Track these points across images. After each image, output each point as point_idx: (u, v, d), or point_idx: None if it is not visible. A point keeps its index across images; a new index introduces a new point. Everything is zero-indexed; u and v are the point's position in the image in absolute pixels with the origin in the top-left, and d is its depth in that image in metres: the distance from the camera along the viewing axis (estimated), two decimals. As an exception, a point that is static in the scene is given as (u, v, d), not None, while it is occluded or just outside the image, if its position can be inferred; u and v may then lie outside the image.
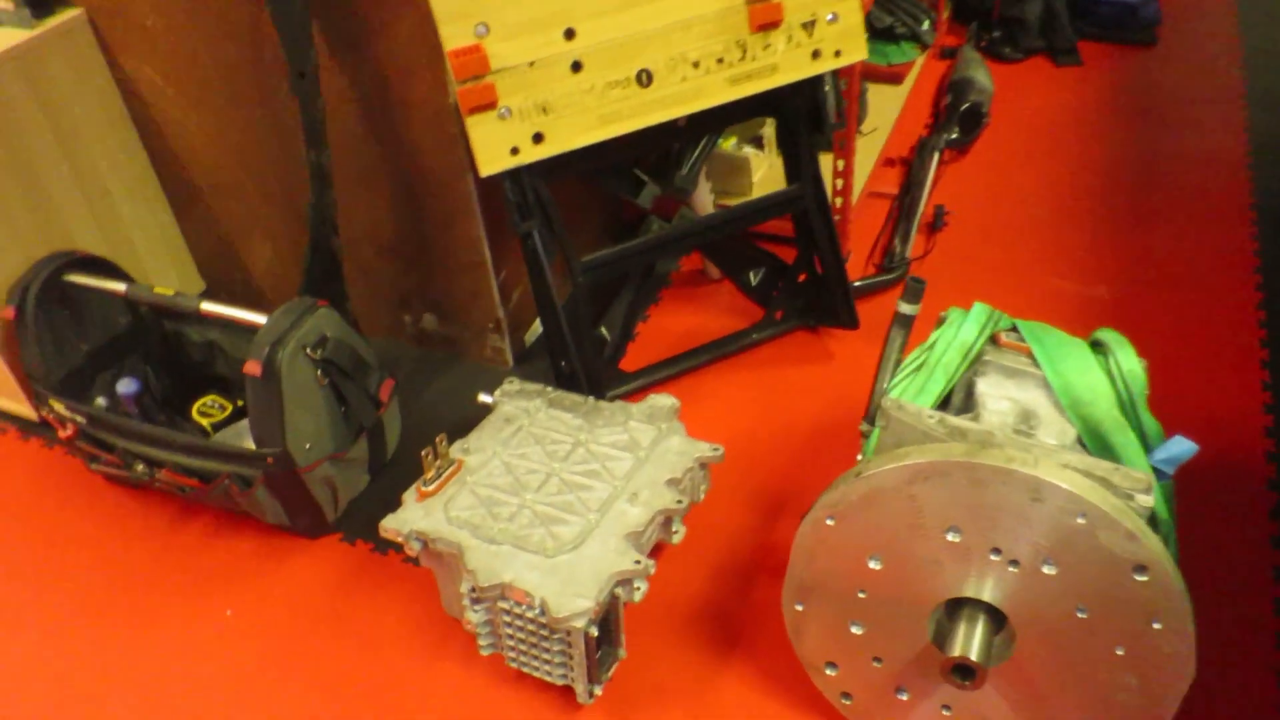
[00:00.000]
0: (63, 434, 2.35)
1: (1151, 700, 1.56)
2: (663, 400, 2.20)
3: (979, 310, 1.92)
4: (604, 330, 2.60)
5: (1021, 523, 1.51)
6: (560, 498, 1.95)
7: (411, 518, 1.91)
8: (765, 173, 3.13)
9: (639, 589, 1.86)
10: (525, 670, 1.90)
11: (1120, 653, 1.53)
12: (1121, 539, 1.45)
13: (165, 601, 2.20)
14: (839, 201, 2.91)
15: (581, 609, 1.72)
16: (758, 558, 2.18)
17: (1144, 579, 1.46)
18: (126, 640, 2.13)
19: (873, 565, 1.64)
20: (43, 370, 2.33)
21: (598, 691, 1.86)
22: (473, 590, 1.81)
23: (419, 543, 1.88)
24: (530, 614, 1.78)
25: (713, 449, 2.10)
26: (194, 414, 2.50)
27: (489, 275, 2.58)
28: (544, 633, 1.79)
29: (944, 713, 1.72)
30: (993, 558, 1.55)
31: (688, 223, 2.60)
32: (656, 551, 2.11)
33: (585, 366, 2.40)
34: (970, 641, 1.56)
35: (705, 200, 2.78)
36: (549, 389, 2.24)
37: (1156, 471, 1.75)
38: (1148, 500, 1.50)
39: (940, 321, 2.01)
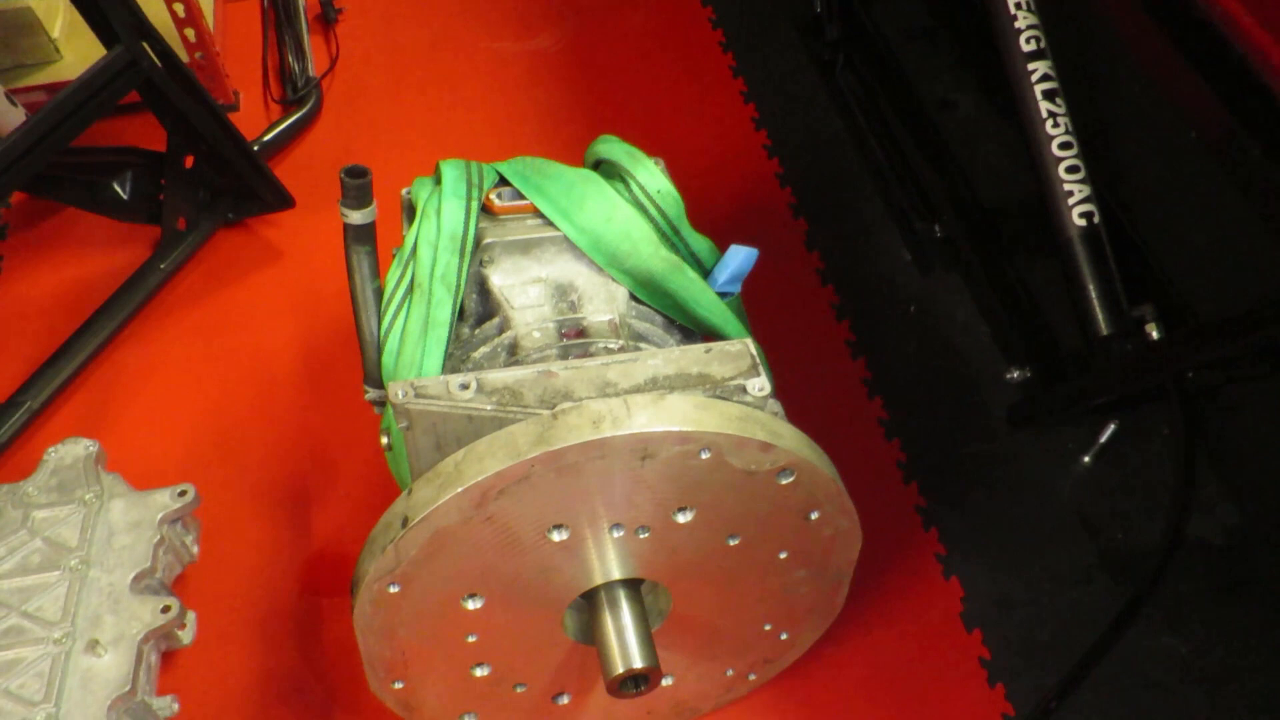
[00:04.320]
0: None
1: (827, 582, 1.32)
2: (72, 451, 1.46)
3: (450, 176, 1.39)
4: (-72, 364, 1.69)
5: (637, 487, 1.10)
6: (-26, 708, 1.22)
7: None
8: (69, 21, 2.18)
9: (168, 760, 1.25)
10: None
11: (784, 556, 1.25)
12: (755, 454, 1.11)
13: None
14: (191, 36, 2.09)
15: None
16: (310, 582, 1.61)
17: (790, 480, 1.15)
18: None
19: (472, 605, 1.17)
20: None
21: None
22: None
23: None
24: None
25: (178, 494, 1.44)
26: None
27: None
28: None
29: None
30: (615, 535, 1.15)
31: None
32: (168, 665, 1.47)
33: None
34: (626, 647, 1.18)
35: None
36: (-126, 519, 1.39)
37: (724, 295, 1.43)
38: (760, 383, 1.16)
39: (407, 208, 1.45)
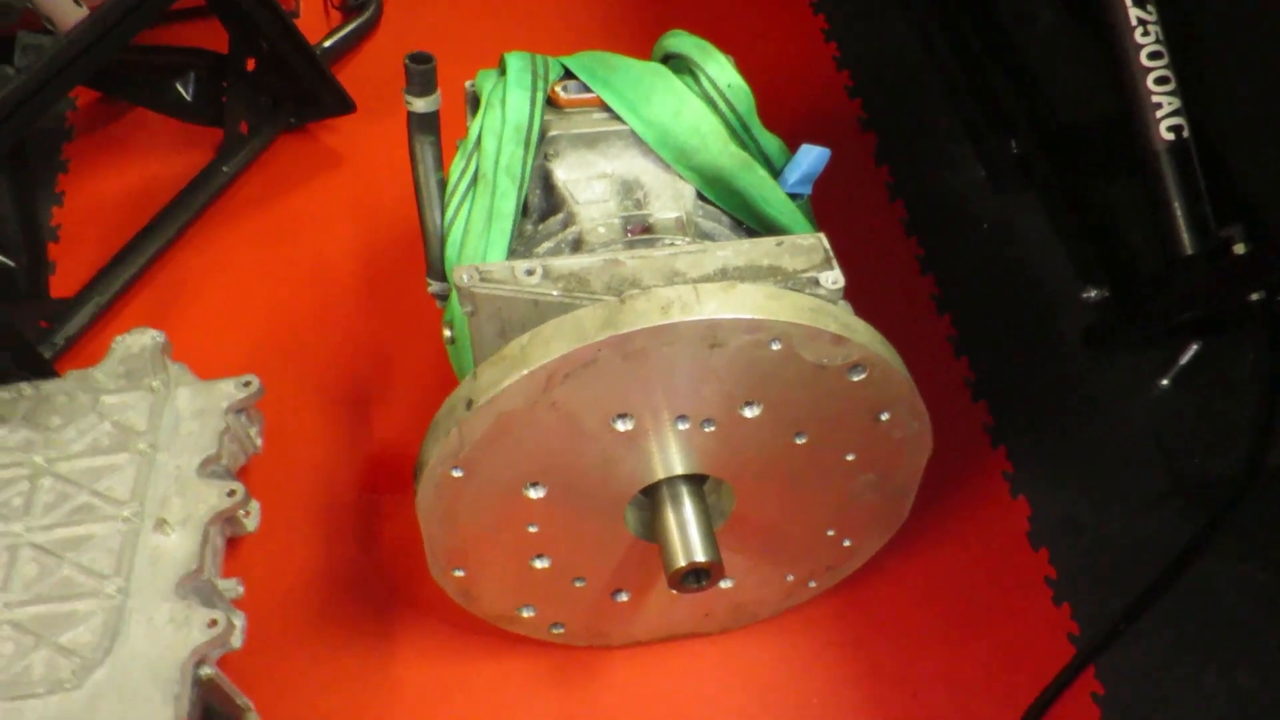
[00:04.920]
0: None
1: (895, 488, 1.29)
2: (139, 340, 1.48)
3: (515, 67, 1.35)
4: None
5: (704, 377, 1.08)
6: (48, 580, 1.25)
7: None
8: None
9: (234, 639, 1.27)
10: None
11: (852, 458, 1.22)
12: (828, 347, 1.08)
13: None
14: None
15: (160, 748, 1.12)
16: (370, 479, 1.62)
17: (862, 377, 1.12)
18: None
19: (534, 494, 1.16)
20: None
21: (242, 796, 1.31)
22: (-25, 802, 1.13)
23: None
24: (87, 788, 1.14)
25: (243, 384, 1.45)
26: None
27: None
28: (124, 794, 1.18)
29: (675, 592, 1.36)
30: (681, 427, 1.13)
31: (47, 55, 1.66)
32: (233, 551, 1.49)
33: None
34: (689, 540, 1.17)
35: (61, 1, 1.82)
36: (-49, 401, 1.42)
37: (794, 196, 1.39)
38: (834, 276, 1.12)
39: (471, 100, 1.42)
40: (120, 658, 1.18)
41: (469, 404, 1.06)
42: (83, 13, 1.85)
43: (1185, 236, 1.63)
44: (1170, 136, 1.64)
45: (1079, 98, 2.03)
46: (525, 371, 1.03)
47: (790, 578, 1.40)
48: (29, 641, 1.19)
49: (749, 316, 1.03)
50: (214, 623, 1.21)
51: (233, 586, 1.35)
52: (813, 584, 1.43)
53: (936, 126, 2.07)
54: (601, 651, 1.46)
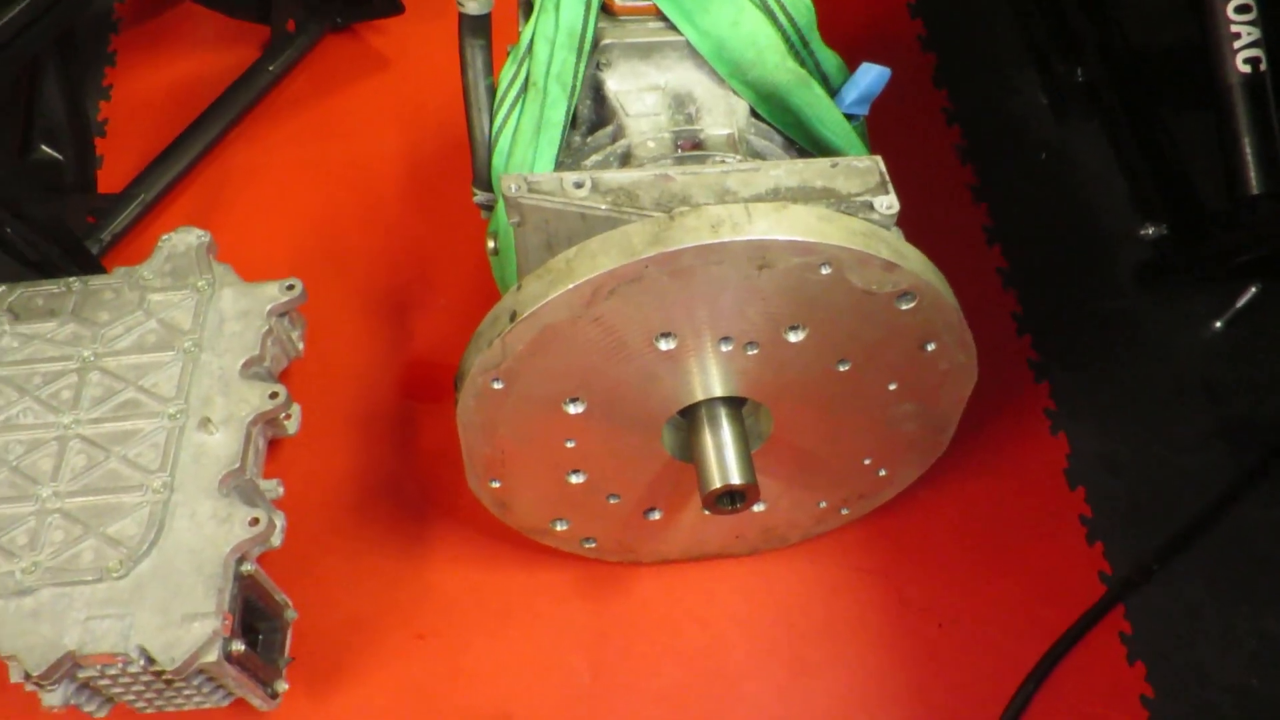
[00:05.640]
0: None
1: (935, 419, 1.28)
2: (184, 239, 1.48)
3: (570, -31, 1.31)
4: (45, 148, 1.70)
5: (750, 298, 1.07)
6: (96, 472, 1.27)
7: None
8: None
9: (275, 538, 1.30)
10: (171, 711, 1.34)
11: (894, 387, 1.21)
12: (878, 273, 1.06)
13: None
14: None
15: (202, 636, 1.15)
16: (409, 387, 1.63)
17: (910, 305, 1.10)
18: None
19: (573, 410, 1.16)
20: None
21: (282, 687, 1.35)
22: (29, 679, 1.17)
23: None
24: (134, 670, 1.18)
25: (286, 287, 1.45)
26: None
27: None
28: (170, 678, 1.22)
29: (707, 512, 1.37)
30: (723, 349, 1.12)
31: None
32: (274, 452, 1.52)
33: (38, 222, 1.55)
34: (725, 463, 1.17)
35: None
36: (1, 291, 1.44)
37: (850, 117, 1.35)
38: (888, 201, 1.09)
39: (524, 3, 1.38)
40: (165, 550, 1.21)
41: (512, 316, 1.05)
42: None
43: (1253, 175, 1.57)
44: (1247, 69, 1.57)
45: (1151, 23, 1.94)
46: (570, 286, 1.02)
47: (823, 504, 1.40)
48: (78, 530, 1.22)
49: (800, 239, 1.01)
50: (255, 521, 1.23)
51: (273, 487, 1.38)
52: (845, 511, 1.43)
53: (1000, 50, 2.00)
54: (630, 566, 1.48)
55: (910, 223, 1.16)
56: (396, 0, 1.95)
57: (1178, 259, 1.68)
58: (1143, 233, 1.72)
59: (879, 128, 1.43)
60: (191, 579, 1.19)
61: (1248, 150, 1.57)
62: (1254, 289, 1.66)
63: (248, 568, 1.24)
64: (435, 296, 1.70)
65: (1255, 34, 1.56)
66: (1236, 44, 1.58)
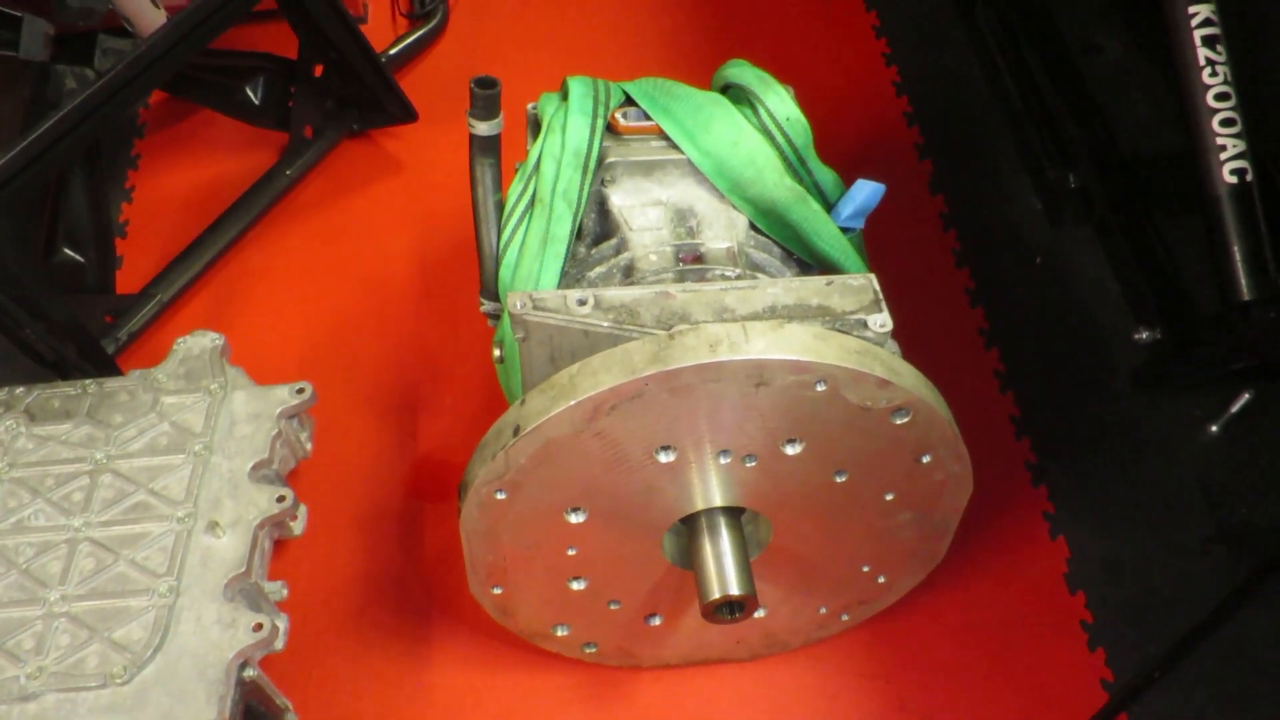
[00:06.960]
0: None
1: (933, 527, 1.30)
2: (199, 342, 1.52)
3: (578, 92, 1.37)
4: (68, 250, 1.76)
5: (748, 414, 1.09)
6: (104, 575, 1.29)
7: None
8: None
9: (278, 642, 1.31)
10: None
11: (891, 498, 1.23)
12: (872, 390, 1.08)
13: None
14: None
15: (204, 745, 1.16)
16: (415, 486, 1.65)
17: (905, 420, 1.12)
18: None
19: (575, 519, 1.18)
20: None
21: (280, 794, 1.34)
22: (27, 787, 1.17)
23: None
24: (133, 779, 1.18)
25: (296, 391, 1.48)
26: None
27: None
28: (167, 786, 1.22)
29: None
30: (722, 461, 1.14)
31: (127, 59, 1.71)
32: (279, 553, 1.53)
33: (60, 325, 1.59)
34: (724, 573, 1.18)
35: (142, 5, 1.87)
36: (19, 393, 1.47)
37: (846, 230, 1.39)
38: (882, 319, 1.13)
39: (532, 123, 1.44)
40: (169, 655, 1.22)
41: (516, 430, 1.08)
42: (161, 15, 1.91)
43: (1244, 282, 1.61)
44: (1233, 180, 1.62)
45: (1142, 132, 2.00)
46: (573, 401, 1.05)
47: (823, 610, 1.41)
48: (84, 634, 1.24)
49: (795, 358, 1.04)
50: (259, 626, 1.24)
51: (278, 589, 1.39)
52: (845, 617, 1.44)
53: (994, 156, 2.05)
54: (632, 671, 1.48)
55: (907, 326, 1.19)
56: (411, 108, 2.02)
57: (1172, 364, 1.70)
58: (1137, 337, 1.75)
59: (878, 233, 1.47)
60: (194, 685, 1.20)
61: (1237, 258, 1.61)
62: (1247, 395, 1.69)
63: (250, 673, 1.25)
64: (443, 397, 1.73)
65: (1240, 146, 1.61)
66: (1223, 155, 1.63)
